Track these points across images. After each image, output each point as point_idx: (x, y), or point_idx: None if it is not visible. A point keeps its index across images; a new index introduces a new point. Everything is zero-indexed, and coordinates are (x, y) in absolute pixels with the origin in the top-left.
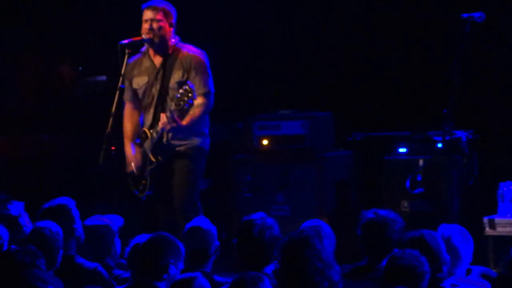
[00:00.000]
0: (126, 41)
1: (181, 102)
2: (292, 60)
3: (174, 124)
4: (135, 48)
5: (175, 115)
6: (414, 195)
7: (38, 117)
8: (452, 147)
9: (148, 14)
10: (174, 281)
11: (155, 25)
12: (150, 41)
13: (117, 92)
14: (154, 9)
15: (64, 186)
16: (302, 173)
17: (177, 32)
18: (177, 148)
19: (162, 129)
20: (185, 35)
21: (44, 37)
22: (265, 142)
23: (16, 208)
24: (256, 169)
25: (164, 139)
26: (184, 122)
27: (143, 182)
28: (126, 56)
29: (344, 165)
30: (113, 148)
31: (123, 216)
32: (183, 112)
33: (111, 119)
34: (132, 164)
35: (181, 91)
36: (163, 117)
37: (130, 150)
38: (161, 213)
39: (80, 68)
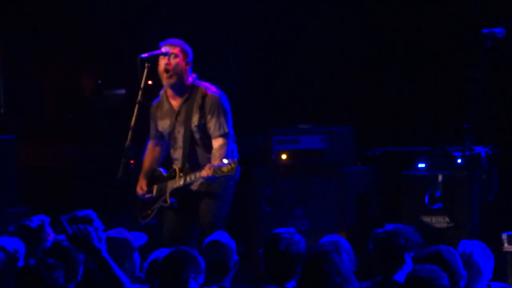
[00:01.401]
0: (145, 55)
1: (219, 172)
2: (311, 74)
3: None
4: (155, 62)
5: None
6: (433, 210)
7: (58, 129)
8: (471, 162)
9: (166, 50)
10: None
11: (172, 60)
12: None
13: (136, 105)
14: (172, 47)
15: (84, 199)
16: (321, 188)
17: (201, 47)
18: (204, 186)
19: (204, 177)
20: (206, 50)
21: (64, 50)
22: (284, 156)
23: (39, 222)
24: (275, 183)
25: (192, 187)
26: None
27: (149, 212)
28: (145, 70)
29: (363, 180)
30: (132, 161)
31: (141, 229)
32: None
33: (130, 132)
34: (139, 189)
35: (225, 161)
36: (209, 171)
37: (141, 181)
38: (168, 236)
39: (99, 81)
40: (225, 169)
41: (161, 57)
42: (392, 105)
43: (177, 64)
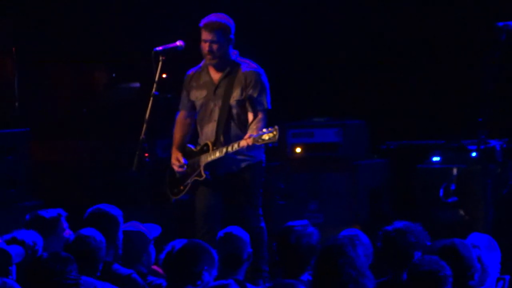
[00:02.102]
0: (160, 48)
1: (260, 140)
2: (326, 68)
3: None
4: (169, 55)
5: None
6: (448, 204)
7: (72, 123)
8: (486, 156)
9: (205, 35)
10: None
11: (214, 47)
12: (207, 61)
13: (151, 99)
14: (211, 29)
15: (99, 192)
16: (335, 181)
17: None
18: (240, 165)
19: (241, 148)
20: None
21: (78, 44)
22: (298, 150)
23: (56, 215)
24: (289, 176)
25: (223, 158)
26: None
27: (181, 187)
28: (160, 63)
29: (378, 174)
30: (146, 154)
31: (157, 222)
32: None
33: (145, 126)
34: (176, 162)
35: (265, 130)
36: (249, 140)
37: (176, 153)
38: (201, 217)
39: (113, 75)
40: (266, 136)
41: (202, 41)
42: (406, 98)
43: (218, 49)
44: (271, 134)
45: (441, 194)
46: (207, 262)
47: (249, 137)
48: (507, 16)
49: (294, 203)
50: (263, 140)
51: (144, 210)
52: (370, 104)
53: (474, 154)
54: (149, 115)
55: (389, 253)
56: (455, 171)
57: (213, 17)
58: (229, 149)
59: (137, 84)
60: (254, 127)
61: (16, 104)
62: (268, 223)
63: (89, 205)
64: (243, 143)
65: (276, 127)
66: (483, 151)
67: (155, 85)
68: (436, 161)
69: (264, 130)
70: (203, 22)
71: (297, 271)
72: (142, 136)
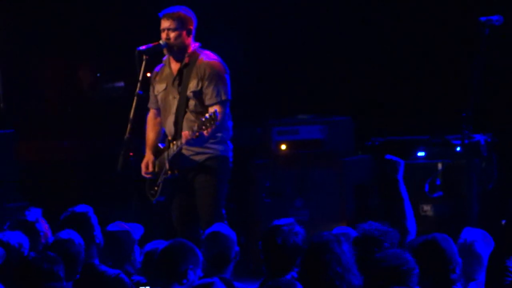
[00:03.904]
0: (143, 47)
1: (203, 127)
2: (310, 64)
3: (195, 136)
4: (152, 54)
5: (197, 131)
6: (433, 199)
7: (57, 123)
8: (471, 150)
9: (164, 24)
10: (192, 287)
11: (171, 35)
12: (167, 46)
13: (135, 98)
14: (170, 17)
15: (84, 192)
16: (321, 178)
17: (198, 37)
18: (199, 157)
19: (186, 143)
20: (206, 42)
21: (62, 44)
22: (283, 147)
23: (34, 214)
24: (274, 174)
25: (184, 152)
26: (205, 133)
27: (155, 188)
28: (143, 62)
29: (363, 170)
30: (131, 154)
31: (141, 222)
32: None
33: (129, 125)
34: (144, 167)
35: (206, 116)
36: (186, 134)
37: (148, 157)
38: (178, 222)
39: (98, 74)
40: (208, 122)
41: (161, 31)
42: (391, 94)
43: (176, 37)
44: (209, 119)
45: (426, 189)
46: (192, 261)
47: (188, 132)
48: (489, 11)
49: (280, 200)
50: (206, 126)
51: (129, 209)
52: (355, 100)
53: (458, 148)
54: (134, 114)
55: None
56: (440, 166)
57: (172, 7)
58: (178, 143)
59: (122, 84)
60: (202, 118)
61: (1, 105)
62: (254, 221)
63: (75, 205)
64: (183, 138)
65: (214, 111)
66: (467, 145)
67: (139, 85)
68: (421, 156)
69: (207, 115)
70: (162, 12)
71: (283, 271)
72: (127, 135)
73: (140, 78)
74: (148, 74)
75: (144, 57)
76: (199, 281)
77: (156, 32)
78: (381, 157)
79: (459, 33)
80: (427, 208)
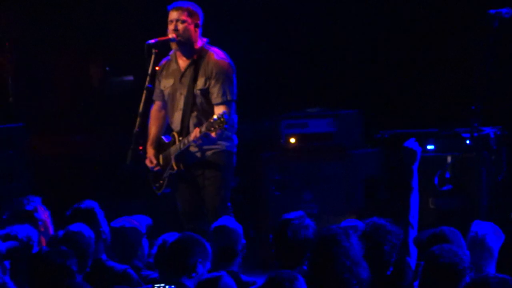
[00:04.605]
0: (152, 41)
1: (212, 129)
2: (320, 58)
3: (204, 138)
4: (162, 48)
5: (205, 131)
6: (443, 192)
7: (68, 117)
8: (480, 143)
9: (173, 15)
10: (200, 280)
11: (180, 26)
12: (176, 41)
13: (144, 91)
14: (179, 9)
15: (94, 185)
16: (329, 171)
17: (206, 34)
18: (207, 153)
19: (194, 141)
20: (214, 35)
21: (72, 39)
22: (292, 140)
23: (32, 203)
24: (284, 167)
25: (191, 148)
26: (213, 134)
27: (161, 182)
28: (153, 56)
29: (372, 163)
30: (140, 147)
31: (151, 214)
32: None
33: (138, 119)
34: (149, 163)
35: (215, 117)
36: (196, 132)
37: (150, 152)
38: (185, 215)
39: (107, 68)
40: (215, 124)
41: (169, 22)
42: (400, 87)
43: (184, 29)
44: (218, 121)
45: (435, 182)
46: (201, 255)
47: (198, 130)
48: (500, 3)
49: (289, 193)
50: (215, 128)
51: (138, 202)
52: (363, 94)
53: (468, 141)
54: (143, 108)
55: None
56: (449, 159)
57: (181, 1)
58: (185, 141)
59: (131, 77)
60: (211, 119)
61: (11, 99)
62: (264, 213)
63: (82, 200)
64: (192, 135)
65: (224, 112)
66: (477, 138)
67: (148, 78)
68: (430, 149)
69: (215, 116)
70: (171, 5)
71: (294, 263)
72: (136, 129)
73: (149, 71)
74: (157, 68)
75: (154, 50)
76: (207, 275)
77: (164, 28)
78: (398, 146)
79: (468, 25)
80: (436, 202)
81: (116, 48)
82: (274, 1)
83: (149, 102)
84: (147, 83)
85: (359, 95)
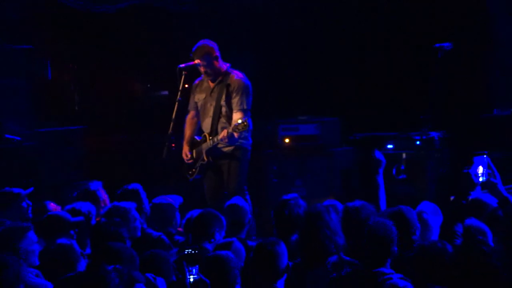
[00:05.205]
0: (183, 65)
1: (236, 130)
2: (309, 77)
3: (229, 137)
4: (190, 70)
5: (231, 132)
6: (399, 180)
7: (118, 121)
8: (427, 144)
9: (196, 60)
10: (217, 244)
11: (202, 69)
12: (204, 72)
13: (176, 103)
14: (197, 56)
15: (138, 173)
16: (315, 164)
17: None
18: (228, 148)
19: (221, 139)
20: (225, 57)
21: (122, 62)
22: (287, 140)
23: (95, 185)
24: (280, 160)
25: (219, 145)
26: (236, 134)
27: (193, 170)
28: (182, 77)
29: (347, 158)
30: (173, 145)
31: (181, 195)
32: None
33: (171, 123)
34: (184, 156)
35: (239, 121)
36: (224, 132)
37: (186, 148)
38: (209, 196)
39: (149, 85)
40: (239, 126)
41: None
42: (369, 101)
43: (206, 67)
44: (242, 124)
45: (393, 172)
46: (218, 225)
47: (225, 131)
48: (442, 39)
49: (284, 180)
50: (238, 129)
51: (171, 186)
52: (342, 104)
53: (418, 142)
54: (175, 115)
55: (348, 224)
56: (404, 155)
57: (197, 45)
58: (215, 139)
59: (166, 92)
60: (233, 122)
61: (76, 107)
62: (265, 195)
63: (129, 183)
64: (221, 135)
65: (246, 118)
66: (425, 140)
67: (179, 93)
68: (390, 148)
69: (239, 121)
70: (192, 51)
71: (288, 233)
72: (170, 131)
73: (180, 88)
74: (186, 86)
75: (183, 72)
76: (222, 240)
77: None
78: (368, 151)
79: (420, 55)
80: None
81: (155, 70)
82: (273, 30)
83: (179, 111)
84: (178, 97)
85: (338, 106)
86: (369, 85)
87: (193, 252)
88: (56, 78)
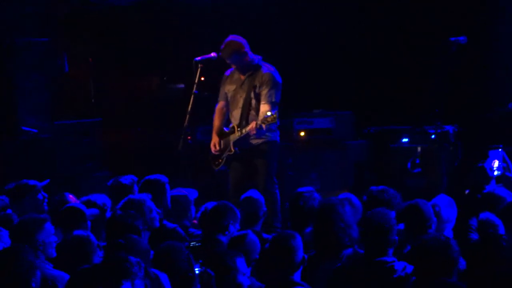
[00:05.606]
0: (199, 58)
1: (265, 122)
2: (324, 73)
3: (258, 129)
4: (206, 63)
5: (260, 123)
6: (414, 174)
7: (134, 114)
8: (442, 137)
9: (225, 59)
10: (232, 237)
11: (233, 65)
12: (235, 68)
13: (192, 96)
14: (225, 56)
15: (153, 166)
16: (329, 157)
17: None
18: (257, 141)
19: (249, 131)
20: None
21: (138, 56)
22: (302, 134)
23: (129, 178)
24: (295, 154)
25: (247, 137)
26: (264, 127)
27: (220, 160)
28: (198, 70)
29: (361, 151)
30: (189, 137)
31: (196, 188)
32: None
33: (187, 116)
34: (213, 147)
35: (268, 113)
36: (253, 124)
37: (216, 138)
38: (234, 187)
39: (164, 78)
40: (269, 119)
41: None
42: (383, 95)
43: (236, 63)
44: (271, 117)
45: (408, 166)
46: (232, 218)
47: (254, 123)
48: (458, 32)
49: (299, 173)
50: (267, 121)
51: (187, 179)
52: (356, 98)
53: (433, 136)
54: (191, 108)
55: (372, 205)
56: (419, 149)
57: (224, 43)
58: (243, 131)
59: (182, 85)
60: (261, 114)
61: (93, 100)
62: (281, 188)
63: (146, 176)
64: (250, 127)
65: (275, 111)
66: (439, 134)
67: (195, 86)
68: (405, 141)
69: (268, 113)
70: (220, 50)
71: (303, 225)
72: (186, 124)
73: (196, 81)
74: (202, 78)
75: (199, 65)
76: (237, 233)
77: (208, 45)
78: (380, 139)
79: (435, 49)
80: (409, 180)
81: (172, 63)
82: (294, 37)
83: (195, 104)
84: (194, 89)
85: (352, 99)
86: (383, 78)
87: (197, 245)
88: (73, 71)
